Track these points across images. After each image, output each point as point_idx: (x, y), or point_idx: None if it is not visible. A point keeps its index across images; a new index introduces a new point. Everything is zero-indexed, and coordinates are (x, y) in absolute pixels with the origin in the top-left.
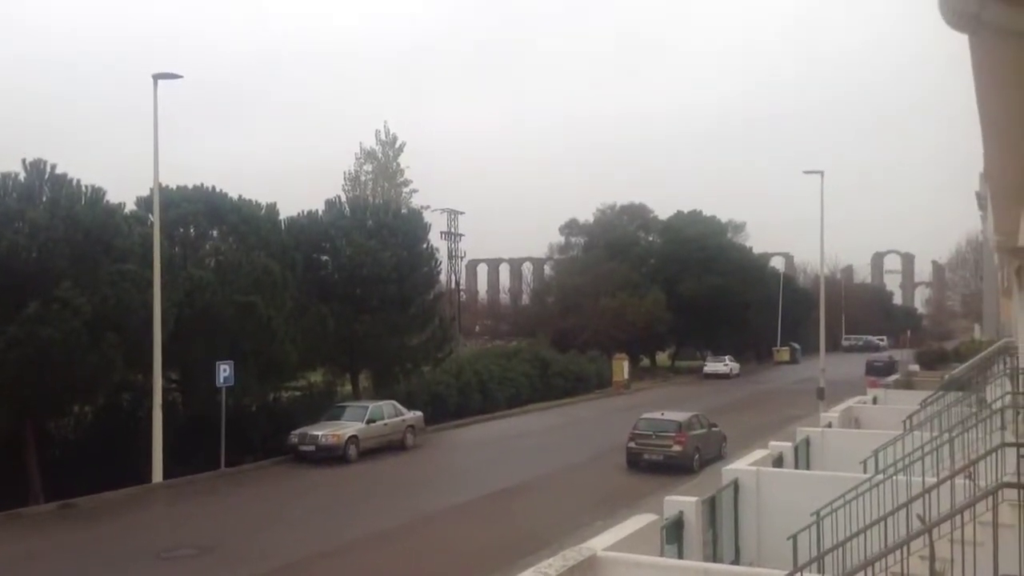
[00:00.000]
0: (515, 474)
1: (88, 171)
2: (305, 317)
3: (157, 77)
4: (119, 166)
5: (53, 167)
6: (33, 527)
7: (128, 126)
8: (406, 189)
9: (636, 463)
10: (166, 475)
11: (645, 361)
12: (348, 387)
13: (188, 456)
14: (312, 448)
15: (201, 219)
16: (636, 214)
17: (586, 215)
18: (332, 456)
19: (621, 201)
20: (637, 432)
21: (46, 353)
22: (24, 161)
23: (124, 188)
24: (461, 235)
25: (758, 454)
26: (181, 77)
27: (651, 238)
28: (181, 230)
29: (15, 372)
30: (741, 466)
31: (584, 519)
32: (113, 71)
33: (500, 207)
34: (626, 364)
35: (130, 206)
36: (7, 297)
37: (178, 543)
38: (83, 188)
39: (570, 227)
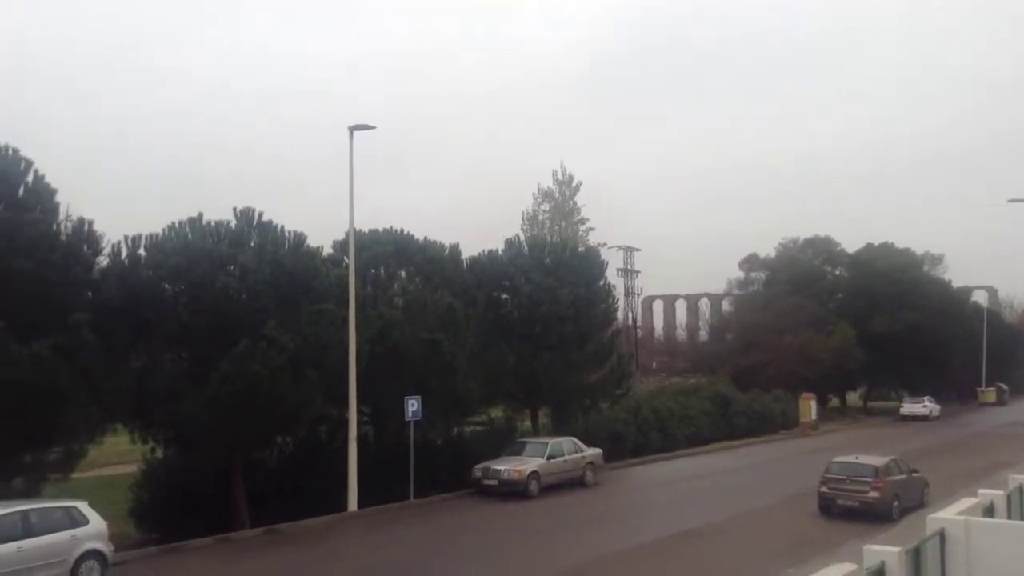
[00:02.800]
0: (699, 515)
1: (286, 217)
2: (486, 354)
3: (353, 129)
4: (314, 211)
5: (260, 215)
6: (242, 551)
7: (319, 173)
8: (583, 227)
9: (828, 509)
10: (360, 504)
11: (834, 401)
12: (527, 423)
13: (379, 487)
14: (495, 482)
15: (390, 260)
16: (821, 247)
17: (767, 249)
18: (514, 491)
19: (804, 234)
20: (829, 476)
21: (254, 388)
22: (235, 210)
23: (317, 232)
24: (637, 272)
25: (966, 502)
26: (374, 128)
27: (838, 272)
28: (372, 271)
29: (228, 406)
30: (947, 515)
31: (775, 566)
32: (306, 125)
33: (676, 242)
34: (814, 404)
35: (327, 249)
36: (220, 335)
37: (373, 570)
38: (286, 233)
39: (750, 262)
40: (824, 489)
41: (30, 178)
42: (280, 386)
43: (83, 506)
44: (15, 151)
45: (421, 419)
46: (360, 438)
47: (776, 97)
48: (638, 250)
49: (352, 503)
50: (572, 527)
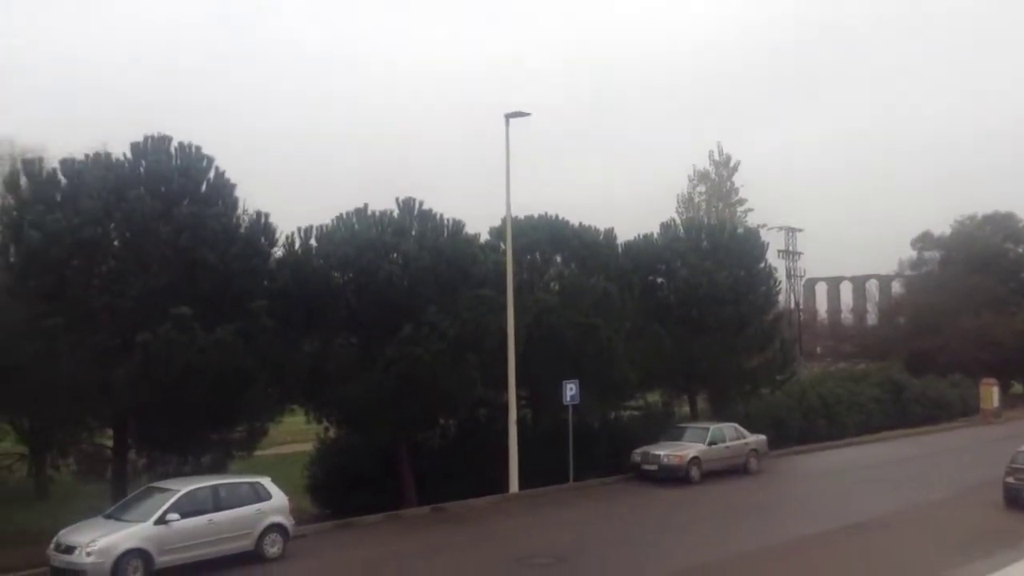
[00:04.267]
0: (870, 506)
1: (442, 204)
2: (643, 338)
3: (509, 116)
4: (470, 197)
5: (420, 203)
6: (411, 528)
7: (472, 159)
8: (741, 208)
9: (1016, 501)
10: (521, 486)
11: (1017, 387)
12: (685, 408)
13: (538, 469)
14: (654, 467)
15: (545, 246)
16: (1001, 224)
17: (941, 227)
18: (674, 476)
19: (983, 210)
20: (1016, 466)
21: (417, 371)
22: (398, 200)
23: (472, 218)
24: (799, 253)
25: None
26: (529, 115)
27: (1021, 249)
28: (528, 257)
29: (393, 389)
30: None
31: (957, 559)
32: (459, 112)
33: (841, 223)
34: (996, 390)
35: (484, 236)
36: (385, 321)
37: (536, 551)
38: (445, 221)
39: (923, 240)
40: (1010, 480)
41: (211, 174)
42: (441, 370)
43: (266, 482)
44: (198, 149)
45: (579, 403)
46: (519, 421)
47: (953, 75)
48: (800, 231)
49: (513, 484)
50: (733, 515)
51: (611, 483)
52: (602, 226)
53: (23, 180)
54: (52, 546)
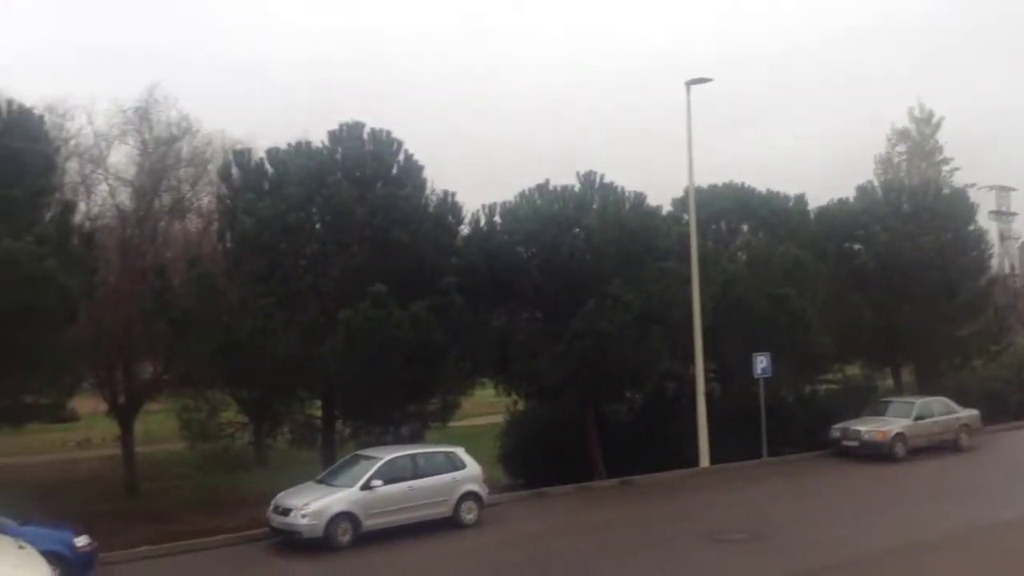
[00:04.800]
0: None
1: (622, 176)
2: (839, 308)
3: (689, 83)
4: (651, 168)
5: (602, 177)
6: (600, 499)
7: (656, 130)
8: (946, 167)
9: None
10: (711, 461)
11: None
12: (888, 381)
13: (729, 444)
14: (855, 444)
15: (731, 215)
16: None
17: None
18: (877, 453)
19: None
20: None
21: (602, 345)
22: (578, 174)
23: (654, 189)
24: (1013, 214)
25: None
26: (711, 81)
27: None
28: (713, 227)
29: (578, 362)
30: None
31: None
32: (637, 81)
33: None
34: None
35: (667, 207)
36: (569, 295)
37: (729, 527)
38: (627, 194)
39: None
40: None
41: (401, 157)
42: (626, 343)
43: (461, 451)
44: (388, 133)
45: (770, 376)
46: (707, 395)
47: None
48: (1014, 190)
49: (704, 459)
50: (940, 494)
51: (808, 459)
52: (791, 192)
53: (235, 171)
54: (271, 508)
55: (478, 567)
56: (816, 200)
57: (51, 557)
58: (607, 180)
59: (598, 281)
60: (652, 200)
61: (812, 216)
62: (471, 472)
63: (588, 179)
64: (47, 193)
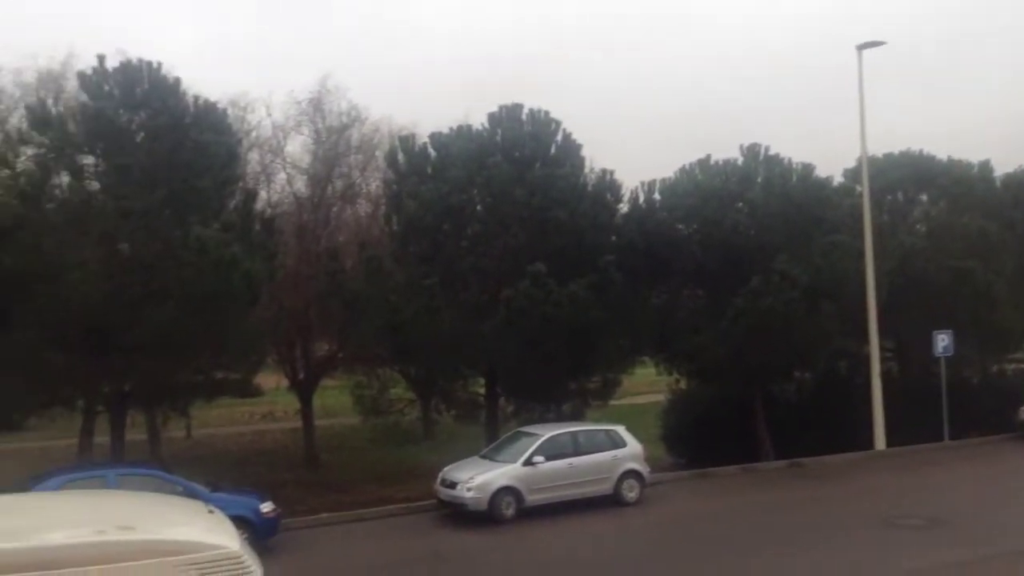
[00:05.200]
0: None
1: (789, 147)
2: None
3: (861, 47)
4: (822, 138)
5: (766, 149)
6: (766, 481)
7: (820, 99)
8: None
9: None
10: (887, 444)
11: None
12: None
13: (907, 426)
14: None
15: (908, 184)
16: None
17: None
18: None
19: None
20: None
21: (767, 322)
22: (742, 147)
23: (825, 161)
24: None
25: None
26: (884, 44)
27: None
28: (889, 197)
29: (742, 340)
30: None
31: None
32: (802, 49)
33: None
34: None
35: (837, 179)
36: (732, 271)
37: (905, 512)
38: (793, 165)
39: None
40: None
41: (559, 137)
42: (794, 320)
43: (621, 430)
44: (546, 114)
45: (952, 355)
46: (883, 374)
47: None
48: None
49: (879, 441)
50: None
51: (993, 443)
52: (978, 159)
53: (400, 156)
54: (438, 481)
55: (640, 545)
56: (1002, 167)
57: (239, 522)
58: (772, 152)
59: (763, 256)
60: (822, 171)
61: (998, 184)
62: (632, 450)
63: (752, 151)
64: (231, 183)
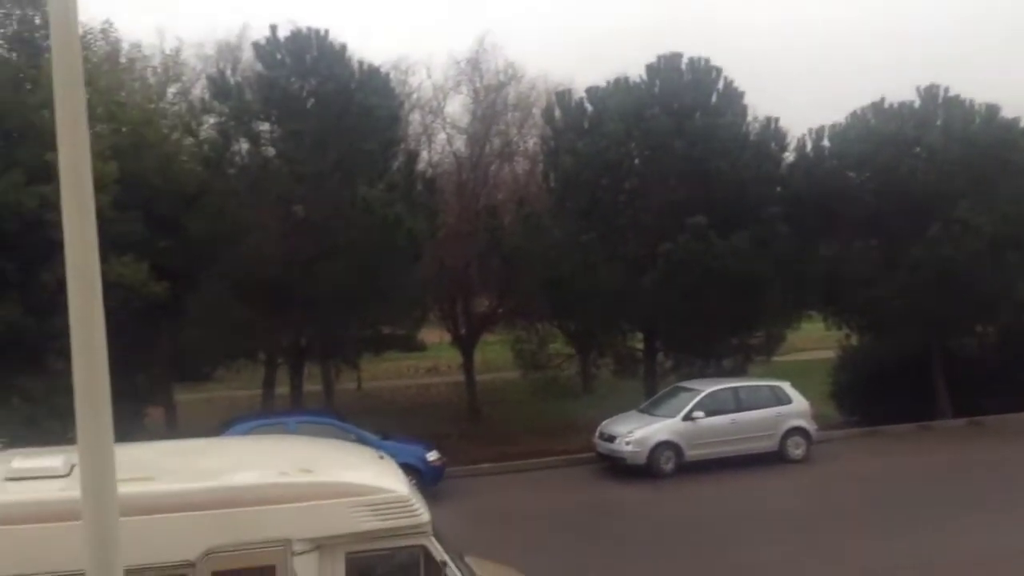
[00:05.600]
0: None
1: (972, 88)
2: None
3: None
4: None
5: (946, 90)
6: (944, 440)
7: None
8: None
9: None
10: None
11: None
12: None
13: None
14: None
15: None
16: None
17: None
18: None
19: None
20: None
21: (947, 273)
22: (918, 88)
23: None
24: None
25: None
26: None
27: None
28: None
29: (920, 293)
30: None
31: None
32: None
33: None
34: None
35: None
36: (909, 220)
37: None
38: (976, 107)
39: None
40: None
41: (720, 85)
42: (976, 271)
43: (786, 386)
44: (706, 61)
45: None
46: None
47: None
48: None
49: None
50: None
51: None
52: None
53: (557, 112)
54: (597, 434)
55: (805, 503)
56: None
57: (406, 469)
58: (952, 93)
59: (943, 204)
60: (1009, 112)
61: None
62: (797, 407)
63: (930, 93)
64: (394, 144)
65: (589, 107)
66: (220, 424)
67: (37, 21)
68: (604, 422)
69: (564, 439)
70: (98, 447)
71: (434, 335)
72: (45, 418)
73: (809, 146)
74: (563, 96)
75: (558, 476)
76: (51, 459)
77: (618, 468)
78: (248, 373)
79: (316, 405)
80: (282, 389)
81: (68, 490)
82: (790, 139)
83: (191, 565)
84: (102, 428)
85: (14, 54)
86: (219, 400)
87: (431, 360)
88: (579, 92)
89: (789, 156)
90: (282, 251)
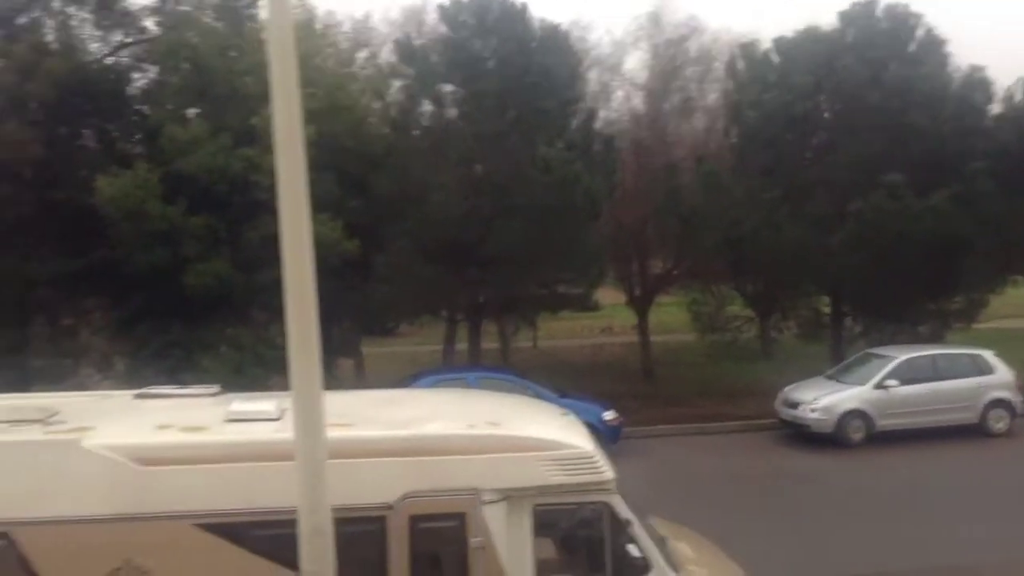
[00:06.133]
0: None
1: None
2: None
3: None
4: None
5: None
6: None
7: None
8: None
9: None
10: None
11: None
12: None
13: None
14: None
15: None
16: None
17: None
18: None
19: None
20: None
21: None
22: None
23: None
24: None
25: None
26: None
27: None
28: None
29: None
30: None
31: None
32: None
33: None
34: None
35: None
36: None
37: None
38: None
39: None
40: None
41: (920, 32)
42: None
43: (989, 355)
44: (905, 7)
45: None
46: None
47: None
48: None
49: None
50: None
51: None
52: None
53: (740, 64)
54: (779, 400)
55: (1004, 478)
56: None
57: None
58: None
59: None
60: None
61: None
62: (1001, 378)
63: None
64: (573, 103)
65: (776, 58)
66: (407, 377)
67: None
68: (787, 388)
69: (742, 404)
70: (309, 395)
71: (609, 295)
72: (251, 366)
73: (1019, 96)
74: (748, 48)
75: (738, 440)
76: (264, 403)
77: (802, 436)
78: (429, 329)
79: (492, 362)
80: (460, 345)
81: (281, 432)
82: (997, 88)
83: (390, 508)
84: (313, 377)
85: (221, 23)
86: (401, 355)
87: (605, 320)
88: (765, 44)
89: (995, 107)
90: (463, 210)
